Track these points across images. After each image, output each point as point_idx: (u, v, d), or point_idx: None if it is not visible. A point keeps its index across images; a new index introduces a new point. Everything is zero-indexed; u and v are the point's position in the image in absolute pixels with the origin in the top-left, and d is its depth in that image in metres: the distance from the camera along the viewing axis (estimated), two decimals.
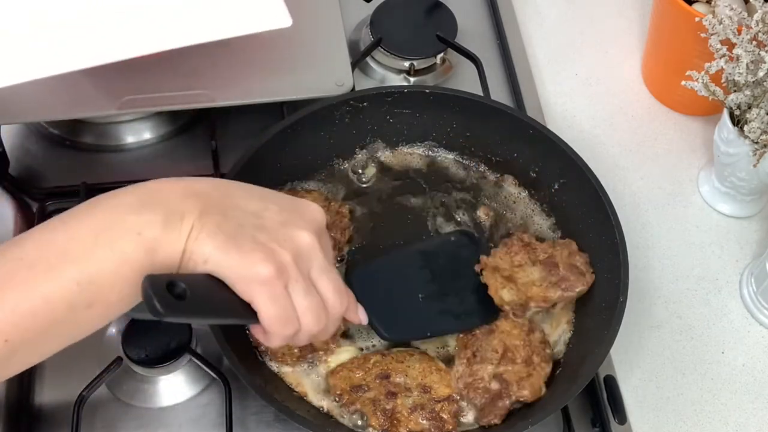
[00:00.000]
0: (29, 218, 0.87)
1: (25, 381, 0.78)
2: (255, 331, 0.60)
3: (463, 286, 0.79)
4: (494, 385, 0.74)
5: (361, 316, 0.68)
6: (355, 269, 0.80)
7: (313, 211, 0.62)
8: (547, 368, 0.76)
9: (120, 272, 0.52)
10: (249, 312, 0.57)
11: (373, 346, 0.77)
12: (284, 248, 0.57)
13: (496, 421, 0.73)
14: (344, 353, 0.76)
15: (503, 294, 0.78)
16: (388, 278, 0.78)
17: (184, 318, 0.55)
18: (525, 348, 0.76)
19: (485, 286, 0.78)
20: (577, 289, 0.78)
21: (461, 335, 0.78)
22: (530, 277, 0.79)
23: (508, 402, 0.74)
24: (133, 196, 0.55)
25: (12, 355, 0.51)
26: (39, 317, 0.50)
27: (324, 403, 0.74)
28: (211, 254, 0.54)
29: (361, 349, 0.77)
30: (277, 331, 0.58)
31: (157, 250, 0.53)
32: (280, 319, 0.57)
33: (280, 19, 0.74)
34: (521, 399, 0.74)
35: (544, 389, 0.75)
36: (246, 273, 0.55)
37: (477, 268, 0.79)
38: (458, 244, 0.82)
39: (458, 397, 0.74)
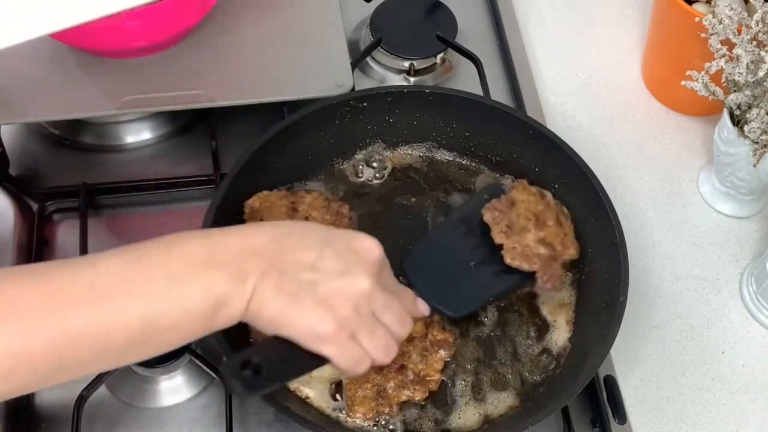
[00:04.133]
0: (29, 218, 0.87)
1: None
2: (335, 366, 0.62)
3: None
4: (542, 250, 0.77)
5: (422, 308, 0.70)
6: (406, 256, 0.79)
7: (369, 249, 0.63)
8: (571, 224, 0.81)
9: (183, 320, 0.55)
10: (324, 359, 0.60)
11: None
12: (344, 300, 0.59)
13: (555, 284, 0.77)
14: None
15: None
16: (438, 255, 0.79)
17: (268, 389, 0.60)
18: (550, 211, 0.80)
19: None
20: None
21: (489, 206, 0.79)
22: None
23: (559, 264, 0.78)
24: (203, 249, 0.57)
25: (60, 370, 0.53)
26: (97, 343, 0.53)
27: (323, 403, 0.74)
28: (276, 316, 0.58)
29: None
30: (352, 371, 0.62)
31: (221, 307, 0.56)
32: (352, 363, 0.61)
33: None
34: (569, 257, 0.78)
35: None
36: (311, 332, 0.59)
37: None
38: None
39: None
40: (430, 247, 0.80)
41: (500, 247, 0.77)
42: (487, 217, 0.78)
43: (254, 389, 0.58)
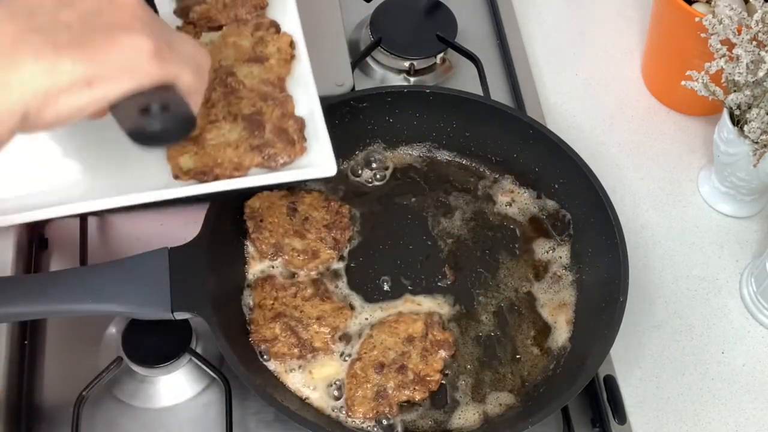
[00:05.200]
0: None
1: (25, 381, 0.78)
2: (187, 92, 0.53)
3: None
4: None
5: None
6: None
7: None
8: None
9: None
10: (171, 85, 0.52)
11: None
12: (134, 14, 0.50)
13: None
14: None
15: (182, 161, 0.64)
16: None
17: (191, 125, 0.52)
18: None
19: None
20: (281, 161, 0.66)
21: None
22: (225, 137, 0.65)
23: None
24: None
25: None
26: None
27: (323, 403, 0.74)
28: (88, 83, 0.47)
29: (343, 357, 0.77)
30: (201, 82, 0.54)
31: None
32: (194, 69, 0.53)
33: (328, 169, 0.70)
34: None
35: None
36: (137, 61, 0.49)
37: None
38: None
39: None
40: None
41: None
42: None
43: (179, 126, 0.50)
